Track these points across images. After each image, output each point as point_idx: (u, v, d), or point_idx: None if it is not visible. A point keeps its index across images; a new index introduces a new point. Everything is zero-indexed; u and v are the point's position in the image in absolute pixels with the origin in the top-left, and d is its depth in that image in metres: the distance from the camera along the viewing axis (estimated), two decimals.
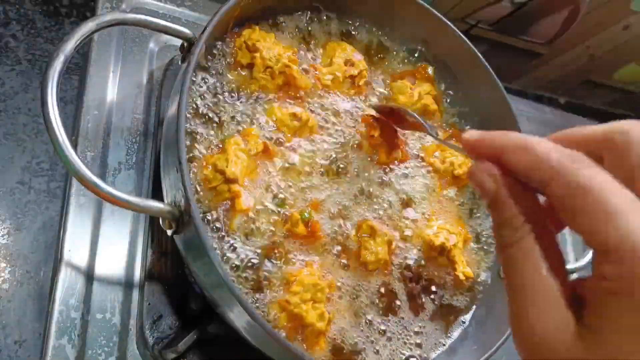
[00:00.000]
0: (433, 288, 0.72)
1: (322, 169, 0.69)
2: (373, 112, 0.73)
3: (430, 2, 0.80)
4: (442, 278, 0.73)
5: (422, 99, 0.78)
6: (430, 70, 0.82)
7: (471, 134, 0.37)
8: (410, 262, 0.71)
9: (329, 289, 0.63)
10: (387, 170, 0.73)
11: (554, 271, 0.33)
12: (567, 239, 1.12)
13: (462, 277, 0.72)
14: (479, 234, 0.78)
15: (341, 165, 0.70)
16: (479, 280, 0.76)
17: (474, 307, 0.74)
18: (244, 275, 0.60)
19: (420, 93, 0.78)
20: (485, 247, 0.78)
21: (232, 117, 0.66)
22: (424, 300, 0.71)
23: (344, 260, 0.66)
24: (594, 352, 0.30)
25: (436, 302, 0.72)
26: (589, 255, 0.84)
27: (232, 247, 0.60)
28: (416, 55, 0.83)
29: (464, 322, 0.73)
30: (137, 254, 0.68)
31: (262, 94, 0.69)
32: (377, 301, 0.67)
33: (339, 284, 0.65)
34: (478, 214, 0.79)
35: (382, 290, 0.68)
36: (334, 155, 0.70)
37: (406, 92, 0.78)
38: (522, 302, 0.33)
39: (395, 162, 0.74)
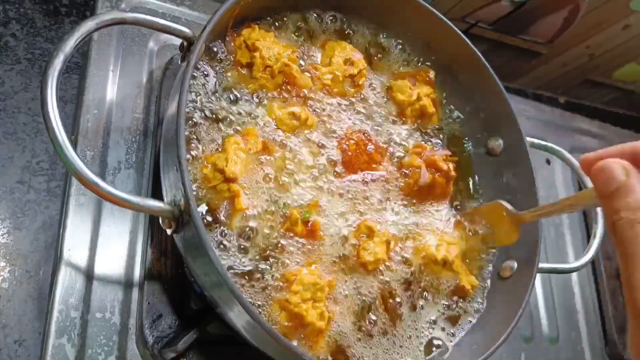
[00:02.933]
0: (431, 294, 0.72)
1: (321, 169, 0.69)
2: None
3: (430, 1, 0.80)
4: (443, 289, 0.72)
5: (421, 100, 0.78)
6: (431, 74, 0.82)
7: (589, 155, 0.46)
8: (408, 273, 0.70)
9: (329, 288, 0.63)
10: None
11: None
12: (567, 238, 1.12)
13: (467, 286, 0.72)
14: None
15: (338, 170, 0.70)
16: (479, 280, 0.76)
17: (474, 307, 0.74)
18: (244, 274, 0.60)
19: (420, 94, 0.78)
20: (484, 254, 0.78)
21: (232, 116, 0.66)
22: (423, 300, 0.71)
23: (344, 259, 0.66)
24: None
25: (436, 302, 0.72)
26: (589, 255, 0.84)
27: (231, 246, 0.60)
28: (416, 55, 0.83)
29: (463, 322, 0.73)
30: (137, 254, 0.68)
31: (262, 93, 0.69)
32: (376, 300, 0.67)
33: (338, 283, 0.65)
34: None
35: (382, 289, 0.68)
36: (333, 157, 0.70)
37: (405, 91, 0.78)
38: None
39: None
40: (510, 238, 0.71)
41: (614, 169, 0.44)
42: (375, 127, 0.76)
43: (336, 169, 0.70)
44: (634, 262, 0.41)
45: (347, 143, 0.72)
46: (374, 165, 0.73)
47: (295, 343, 0.59)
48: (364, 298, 0.66)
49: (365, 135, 0.74)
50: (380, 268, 0.68)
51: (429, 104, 0.79)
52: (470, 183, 0.82)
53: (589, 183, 0.66)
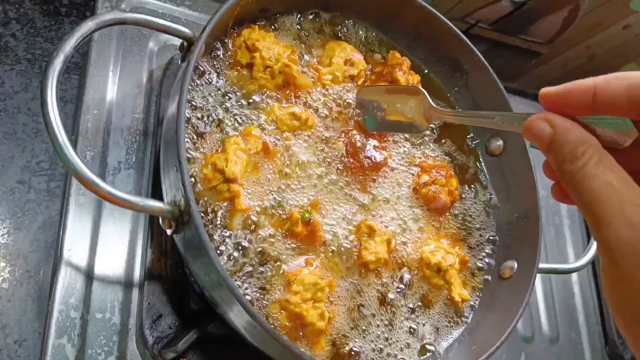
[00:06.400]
0: (430, 295, 0.72)
1: (322, 169, 0.69)
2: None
3: (430, 1, 0.80)
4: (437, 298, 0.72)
5: None
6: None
7: (550, 89, 0.44)
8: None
9: (329, 288, 0.63)
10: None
11: (624, 180, 0.36)
12: (567, 238, 1.12)
13: (457, 298, 0.71)
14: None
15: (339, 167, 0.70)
16: (478, 279, 0.76)
17: (475, 307, 0.74)
18: (244, 274, 0.60)
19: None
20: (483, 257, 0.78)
21: (232, 117, 0.66)
22: (421, 301, 0.71)
23: (344, 260, 0.66)
24: None
25: (434, 303, 0.72)
26: (589, 256, 0.84)
27: (231, 247, 0.60)
28: (415, 55, 0.83)
29: (464, 322, 0.73)
30: (137, 254, 0.68)
31: (262, 93, 0.69)
32: (377, 300, 0.67)
33: (339, 283, 0.65)
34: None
35: (382, 290, 0.68)
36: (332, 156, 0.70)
37: None
38: (601, 215, 0.36)
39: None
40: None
41: (537, 126, 0.42)
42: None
43: (337, 168, 0.70)
44: (600, 210, 0.37)
45: (347, 143, 0.72)
46: (375, 165, 0.73)
47: (295, 343, 0.59)
48: (364, 298, 0.66)
49: (366, 135, 0.74)
50: (381, 268, 0.68)
51: None
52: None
53: None
